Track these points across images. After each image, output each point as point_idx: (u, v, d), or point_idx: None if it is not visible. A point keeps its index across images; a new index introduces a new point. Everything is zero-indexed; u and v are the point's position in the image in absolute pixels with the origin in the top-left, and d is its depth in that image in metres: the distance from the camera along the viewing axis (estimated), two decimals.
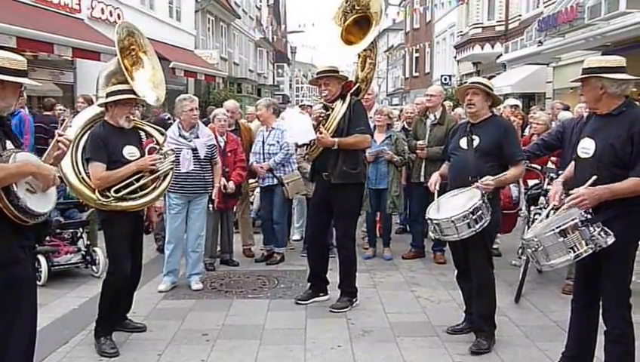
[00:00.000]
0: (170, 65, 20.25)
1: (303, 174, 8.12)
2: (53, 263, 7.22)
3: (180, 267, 7.22)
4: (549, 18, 18.43)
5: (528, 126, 9.75)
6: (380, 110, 8.68)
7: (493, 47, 27.10)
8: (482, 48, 27.82)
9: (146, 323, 5.85)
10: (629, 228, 4.10)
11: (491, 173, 5.05)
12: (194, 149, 6.86)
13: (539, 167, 7.31)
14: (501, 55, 24.75)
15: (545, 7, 21.47)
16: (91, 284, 7.11)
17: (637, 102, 5.86)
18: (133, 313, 5.84)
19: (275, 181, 8.07)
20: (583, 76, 4.22)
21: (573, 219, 3.97)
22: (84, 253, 7.54)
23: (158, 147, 5.49)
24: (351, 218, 6.48)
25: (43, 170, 3.63)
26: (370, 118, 7.54)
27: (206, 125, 7.64)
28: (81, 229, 7.72)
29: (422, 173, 8.13)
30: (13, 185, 3.43)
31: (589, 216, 3.96)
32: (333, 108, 6.29)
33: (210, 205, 7.26)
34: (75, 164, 5.30)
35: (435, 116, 8.23)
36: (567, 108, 10.58)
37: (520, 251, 7.23)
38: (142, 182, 5.29)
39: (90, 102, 9.92)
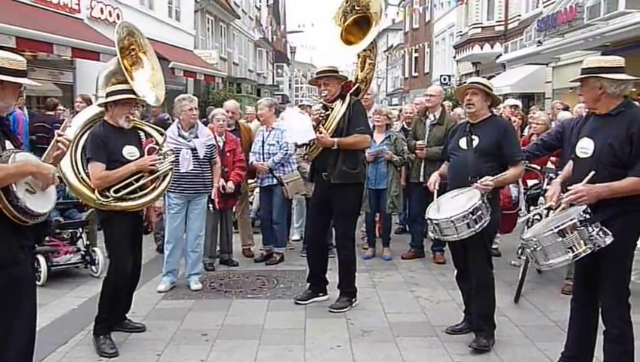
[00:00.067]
0: (170, 65, 20.23)
1: (302, 174, 8.13)
2: (53, 263, 7.22)
3: (179, 267, 7.22)
4: (548, 18, 18.43)
5: (528, 126, 9.76)
6: (378, 110, 8.68)
7: (492, 47, 27.11)
8: (482, 48, 27.82)
9: (145, 323, 5.85)
10: (628, 228, 4.11)
11: (491, 173, 5.05)
12: (193, 149, 6.86)
13: (538, 167, 7.30)
14: (500, 55, 24.75)
15: (544, 7, 21.47)
16: (91, 284, 7.11)
17: (636, 102, 5.88)
18: (133, 313, 5.84)
19: (275, 181, 8.07)
20: (582, 76, 4.22)
21: (571, 219, 3.98)
22: (83, 253, 7.54)
23: (157, 147, 5.49)
24: (350, 218, 6.48)
25: (42, 169, 3.63)
26: (369, 118, 7.54)
27: (205, 125, 7.63)
28: (80, 229, 7.72)
29: (421, 173, 8.13)
30: (13, 186, 3.43)
31: (587, 216, 3.96)
32: (332, 108, 6.30)
33: (210, 205, 7.26)
34: (74, 163, 5.30)
35: (434, 116, 8.23)
36: (566, 109, 10.58)
37: (519, 251, 7.23)
38: (141, 182, 5.29)
39: (88, 102, 9.93)
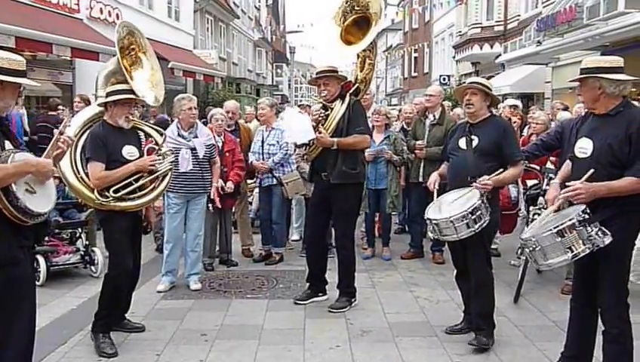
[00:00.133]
0: (169, 65, 20.22)
1: (301, 174, 8.13)
2: (52, 263, 7.22)
3: (178, 267, 7.22)
4: (547, 18, 18.43)
5: (527, 126, 9.76)
6: (377, 110, 8.68)
7: (492, 47, 27.11)
8: (481, 48, 27.83)
9: (144, 323, 5.84)
10: (626, 228, 4.12)
11: (490, 173, 5.05)
12: (193, 149, 6.86)
13: (538, 168, 7.31)
14: (500, 55, 24.74)
15: (544, 7, 21.48)
16: (90, 284, 7.11)
17: (635, 103, 5.87)
18: (132, 313, 5.84)
19: (274, 181, 8.07)
20: (582, 76, 4.23)
21: (570, 219, 3.98)
22: (82, 253, 7.54)
23: (156, 147, 5.49)
24: (350, 218, 6.48)
25: (41, 167, 3.63)
26: (368, 117, 7.54)
27: (205, 126, 7.63)
28: (79, 229, 7.72)
29: (420, 173, 8.14)
30: (12, 186, 3.43)
31: (586, 216, 3.97)
32: (332, 109, 6.30)
33: (210, 205, 7.26)
34: (74, 163, 5.30)
35: (434, 116, 8.23)
36: (566, 109, 10.58)
37: (519, 251, 7.23)
38: (141, 182, 5.29)
39: (87, 102, 9.92)
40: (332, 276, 6.63)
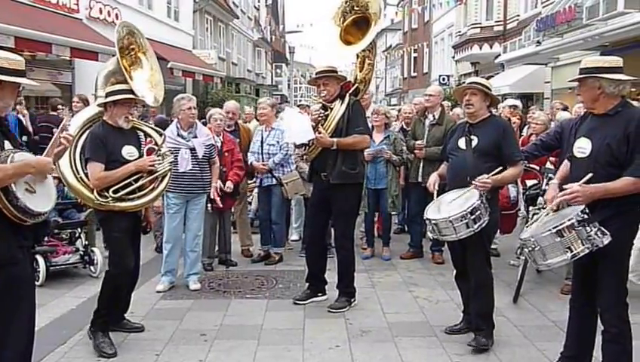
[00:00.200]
0: (168, 65, 20.22)
1: (301, 174, 8.13)
2: (52, 263, 7.21)
3: (178, 267, 7.22)
4: (547, 18, 18.44)
5: (526, 126, 9.76)
6: (376, 110, 8.68)
7: (491, 47, 27.12)
8: (480, 48, 27.84)
9: (143, 323, 5.84)
10: (625, 228, 4.13)
11: (489, 173, 5.05)
12: (192, 149, 6.86)
13: (537, 168, 7.31)
14: (499, 55, 24.75)
15: (543, 7, 21.49)
16: (89, 284, 7.11)
17: (635, 102, 5.87)
18: (131, 313, 5.84)
19: (274, 181, 8.07)
20: (581, 76, 4.23)
21: (569, 219, 3.98)
22: (82, 253, 7.53)
23: (156, 148, 5.48)
24: (349, 218, 6.48)
25: (40, 166, 3.63)
26: (367, 117, 7.54)
27: (204, 126, 7.62)
28: (79, 229, 7.72)
29: (420, 173, 8.14)
30: (12, 185, 3.44)
31: (585, 216, 3.97)
32: (331, 109, 6.29)
33: (209, 205, 7.26)
34: (73, 163, 5.30)
35: (433, 116, 8.23)
36: (565, 109, 10.58)
37: (518, 251, 7.23)
38: (140, 182, 5.29)
39: (85, 102, 9.91)
40: (331, 276, 6.63)
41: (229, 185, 7.59)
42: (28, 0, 14.75)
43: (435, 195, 5.39)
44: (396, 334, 5.63)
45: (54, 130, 4.19)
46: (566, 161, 4.55)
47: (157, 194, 5.45)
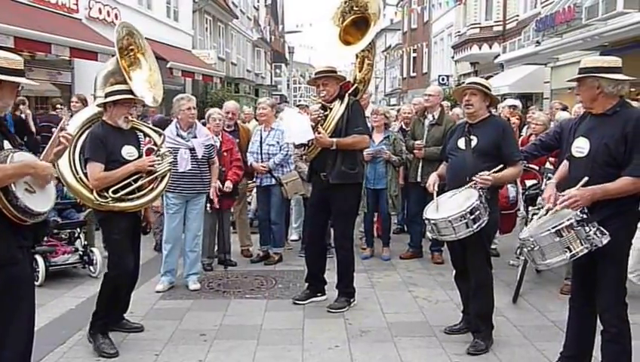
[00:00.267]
0: (168, 65, 20.22)
1: (300, 174, 8.12)
2: (51, 263, 7.21)
3: (177, 267, 7.21)
4: (546, 18, 18.44)
5: (526, 126, 9.76)
6: (375, 110, 8.68)
7: (490, 47, 27.11)
8: (480, 48, 27.83)
9: (143, 323, 5.84)
10: (624, 227, 4.13)
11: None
12: (191, 149, 6.85)
13: (536, 168, 7.31)
14: (499, 55, 24.75)
15: (542, 7, 21.48)
16: (88, 284, 7.11)
17: (634, 103, 5.87)
18: (131, 313, 5.84)
19: (273, 181, 8.06)
20: (581, 76, 4.24)
21: (568, 219, 3.99)
22: (81, 253, 7.54)
23: (155, 148, 5.48)
24: (349, 218, 6.49)
25: (40, 169, 3.63)
26: (367, 118, 7.54)
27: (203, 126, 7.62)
28: (78, 229, 7.72)
29: (419, 173, 8.13)
30: (12, 185, 3.44)
31: (584, 216, 3.98)
32: (331, 109, 6.29)
33: (208, 205, 7.25)
34: (72, 164, 5.30)
35: (433, 116, 8.23)
36: (565, 109, 10.58)
37: (518, 251, 7.23)
38: (140, 182, 5.29)
39: (84, 102, 9.91)
40: (331, 276, 6.63)
41: (228, 185, 7.59)
42: (27, 0, 14.74)
43: (434, 195, 5.39)
44: (396, 334, 5.64)
45: (54, 130, 4.19)
46: (565, 161, 4.55)
47: (156, 195, 5.45)
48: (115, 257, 5.28)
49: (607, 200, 4.04)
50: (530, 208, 7.12)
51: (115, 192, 5.15)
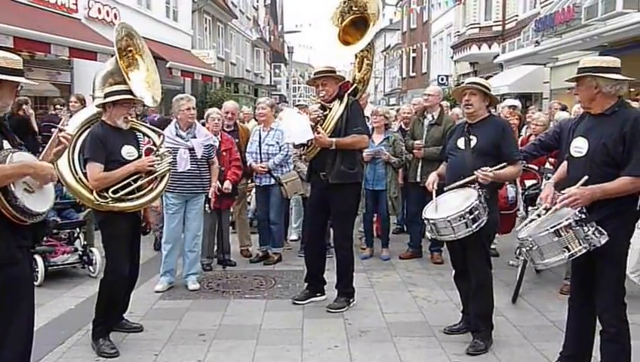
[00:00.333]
0: (167, 65, 20.20)
1: (299, 174, 8.12)
2: (50, 263, 7.21)
3: (176, 267, 7.21)
4: (546, 18, 18.45)
5: (525, 126, 9.75)
6: (375, 111, 8.68)
7: (490, 47, 27.12)
8: (479, 48, 27.83)
9: (142, 323, 5.84)
10: (622, 227, 4.14)
11: None
12: (191, 149, 6.85)
13: (536, 168, 7.31)
14: (498, 55, 24.76)
15: (542, 7, 21.49)
16: (88, 284, 7.11)
17: (635, 103, 5.87)
18: (130, 313, 5.84)
19: (272, 181, 8.06)
20: (578, 75, 4.25)
21: (567, 219, 4.00)
22: (80, 253, 7.54)
23: (155, 148, 5.48)
24: (348, 218, 6.49)
25: (39, 169, 3.62)
26: (366, 118, 7.54)
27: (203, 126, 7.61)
28: (77, 229, 7.72)
29: (418, 173, 8.13)
30: (11, 185, 3.44)
31: (583, 216, 3.99)
32: (330, 109, 6.30)
33: (207, 205, 7.25)
34: (72, 164, 5.29)
35: (432, 116, 8.23)
36: (564, 109, 10.58)
37: (517, 251, 7.23)
38: (139, 182, 5.28)
39: (83, 101, 9.90)
40: (330, 276, 6.63)
41: (227, 185, 7.58)
42: (26, 0, 14.73)
43: (433, 195, 5.39)
44: (395, 334, 5.64)
45: (53, 130, 4.18)
46: (565, 161, 4.56)
47: (156, 194, 5.45)
48: (112, 263, 5.27)
49: (606, 200, 4.05)
50: (529, 208, 7.12)
51: (114, 192, 5.15)
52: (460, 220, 4.86)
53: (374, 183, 8.27)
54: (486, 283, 5.25)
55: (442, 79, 32.54)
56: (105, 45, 14.41)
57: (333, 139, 6.11)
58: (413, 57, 45.56)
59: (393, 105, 42.30)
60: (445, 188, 5.34)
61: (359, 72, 6.59)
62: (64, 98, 12.99)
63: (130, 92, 5.30)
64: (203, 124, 7.72)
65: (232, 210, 8.64)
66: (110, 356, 5.07)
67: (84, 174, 5.23)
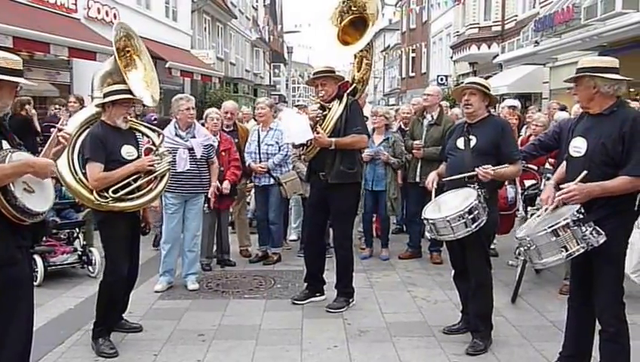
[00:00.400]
0: (167, 65, 20.21)
1: (298, 174, 8.12)
2: (50, 263, 7.21)
3: (176, 267, 7.21)
4: (545, 18, 18.46)
5: (525, 126, 9.75)
6: (374, 111, 8.68)
7: (489, 47, 27.14)
8: (479, 48, 27.85)
9: (142, 323, 5.84)
10: (620, 227, 4.15)
11: None
12: (190, 149, 6.85)
13: (535, 168, 7.31)
14: (497, 55, 24.78)
15: (541, 7, 21.51)
16: (87, 284, 7.11)
17: (635, 103, 5.87)
18: (130, 313, 5.83)
19: (272, 181, 8.06)
20: (577, 75, 4.26)
21: (565, 219, 4.00)
22: (80, 253, 7.53)
23: (154, 148, 5.48)
24: (348, 218, 6.49)
25: (39, 168, 3.62)
26: (366, 118, 7.53)
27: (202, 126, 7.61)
28: (77, 229, 7.71)
29: (418, 173, 8.13)
30: (10, 185, 3.43)
31: (580, 216, 3.99)
32: (329, 109, 6.29)
33: (206, 205, 7.25)
34: (71, 164, 5.28)
35: (432, 116, 8.23)
36: (563, 109, 10.58)
37: (517, 252, 7.23)
38: (139, 182, 5.28)
39: (81, 101, 9.89)
40: (330, 276, 6.62)
41: (226, 185, 7.58)
42: (26, 0, 14.73)
43: (432, 194, 5.39)
44: (394, 334, 5.64)
45: (52, 130, 4.19)
46: (564, 161, 4.56)
47: (156, 194, 5.44)
48: (111, 264, 5.26)
49: (605, 201, 4.05)
50: (529, 208, 7.12)
51: (115, 192, 5.14)
52: (459, 220, 4.86)
53: (374, 184, 8.27)
54: (485, 283, 5.25)
55: (441, 79, 32.55)
56: (104, 45, 14.42)
57: (333, 139, 6.11)
58: (413, 57, 45.59)
59: (392, 105, 42.32)
60: (444, 179, 5.36)
61: (358, 71, 6.59)
62: (64, 98, 13.02)
63: (129, 91, 5.29)
64: (202, 124, 7.72)
65: (231, 210, 8.64)
66: (109, 356, 5.07)
67: (84, 174, 5.22)
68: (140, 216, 5.59)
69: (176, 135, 6.86)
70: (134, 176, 5.25)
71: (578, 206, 4.04)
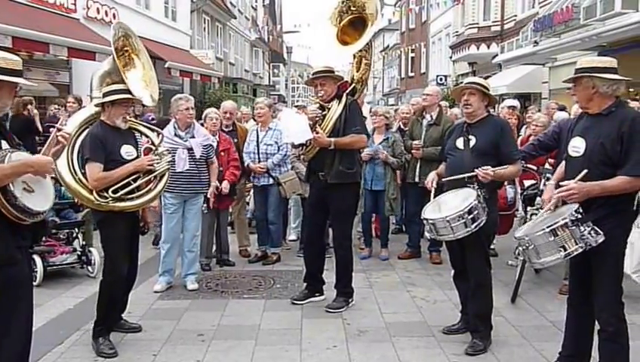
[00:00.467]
0: (166, 65, 20.21)
1: (297, 174, 8.12)
2: (49, 263, 7.20)
3: (175, 267, 7.21)
4: (544, 18, 18.48)
5: (524, 126, 9.76)
6: (374, 111, 8.69)
7: (488, 47, 27.15)
8: (478, 48, 27.85)
9: (141, 323, 5.84)
10: (619, 227, 4.15)
11: None
12: (189, 149, 6.85)
13: (535, 168, 7.31)
14: (497, 55, 24.79)
15: (540, 7, 21.51)
16: (86, 284, 7.10)
17: (635, 103, 5.86)
18: (129, 313, 5.83)
19: (271, 181, 8.05)
20: (576, 75, 4.26)
21: (563, 219, 4.01)
22: (79, 253, 7.53)
23: (153, 147, 5.48)
24: (347, 218, 6.49)
25: (38, 167, 3.62)
26: (365, 117, 7.54)
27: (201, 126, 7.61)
28: (76, 229, 7.71)
29: (417, 173, 8.13)
30: (10, 185, 3.43)
31: (579, 216, 4.00)
32: (329, 109, 6.29)
33: (205, 205, 7.24)
34: (71, 164, 5.28)
35: (431, 116, 8.23)
36: (562, 109, 10.58)
37: (516, 252, 7.22)
38: (139, 182, 5.28)
39: (80, 102, 9.90)
40: (329, 276, 6.62)
41: (225, 185, 7.58)
42: (25, 0, 14.73)
43: (432, 194, 5.39)
44: (394, 334, 5.64)
45: (52, 128, 4.19)
46: (563, 162, 4.56)
47: (156, 194, 5.44)
48: (110, 263, 5.27)
49: (603, 200, 4.06)
50: (528, 208, 7.12)
51: (114, 192, 5.14)
52: (458, 220, 4.86)
53: (373, 183, 8.27)
54: (485, 283, 5.25)
55: (441, 79, 32.57)
56: (104, 45, 14.43)
57: (332, 139, 6.11)
58: (412, 57, 45.57)
59: (392, 105, 42.35)
60: (443, 179, 5.36)
61: (357, 71, 6.59)
62: (64, 98, 13.03)
63: (128, 91, 5.29)
64: (201, 124, 7.72)
65: (230, 210, 8.64)
66: (109, 356, 5.07)
67: (84, 174, 5.22)
68: (139, 216, 5.59)
69: (175, 135, 6.85)
70: (134, 176, 5.25)
71: (577, 205, 4.04)
